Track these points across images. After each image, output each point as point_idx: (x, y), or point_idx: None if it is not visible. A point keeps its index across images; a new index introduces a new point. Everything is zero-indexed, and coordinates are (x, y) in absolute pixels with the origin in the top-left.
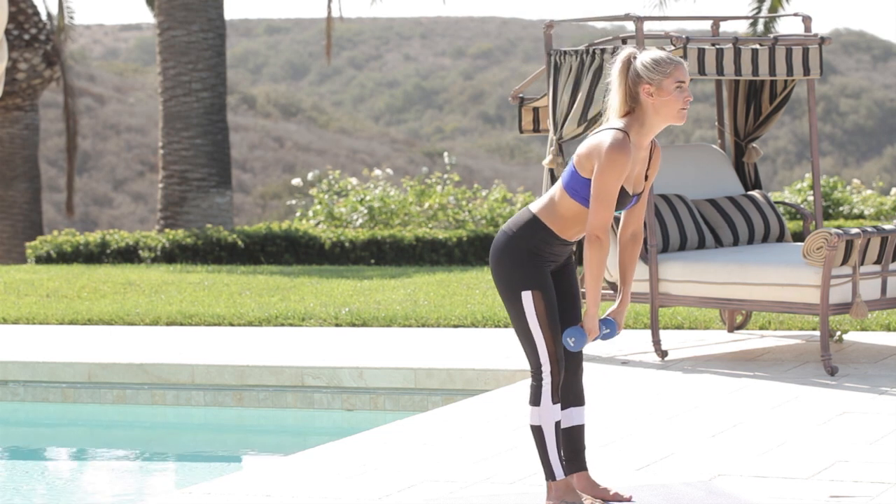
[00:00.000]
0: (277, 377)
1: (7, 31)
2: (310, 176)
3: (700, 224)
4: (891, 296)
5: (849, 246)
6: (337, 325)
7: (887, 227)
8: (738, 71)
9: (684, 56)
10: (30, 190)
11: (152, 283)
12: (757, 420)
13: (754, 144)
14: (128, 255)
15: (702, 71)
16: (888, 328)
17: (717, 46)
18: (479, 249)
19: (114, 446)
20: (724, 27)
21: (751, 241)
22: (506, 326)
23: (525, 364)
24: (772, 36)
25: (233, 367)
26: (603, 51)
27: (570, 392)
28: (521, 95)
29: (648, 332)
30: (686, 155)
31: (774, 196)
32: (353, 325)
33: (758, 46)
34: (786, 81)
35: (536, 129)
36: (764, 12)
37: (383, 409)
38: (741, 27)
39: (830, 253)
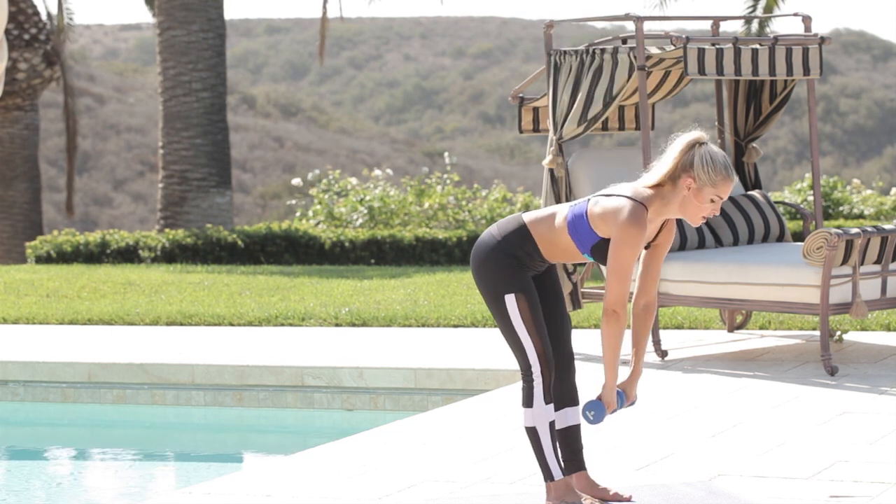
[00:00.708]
0: (277, 377)
1: (7, 31)
2: (310, 176)
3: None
4: (891, 296)
5: (849, 246)
6: (337, 325)
7: (887, 227)
8: (737, 71)
9: (684, 56)
10: (30, 190)
11: (152, 283)
12: (757, 420)
13: (754, 144)
14: (128, 255)
15: (702, 71)
16: (888, 328)
17: (717, 46)
18: None
19: (114, 446)
20: (724, 27)
21: (751, 241)
22: None
23: None
24: (772, 36)
25: (233, 367)
26: (603, 51)
27: (563, 392)
28: (521, 95)
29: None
30: None
31: (774, 196)
32: (353, 325)
33: (758, 46)
34: (786, 81)
35: (536, 129)
36: (759, 12)
37: (383, 409)
38: (740, 27)
39: (830, 253)
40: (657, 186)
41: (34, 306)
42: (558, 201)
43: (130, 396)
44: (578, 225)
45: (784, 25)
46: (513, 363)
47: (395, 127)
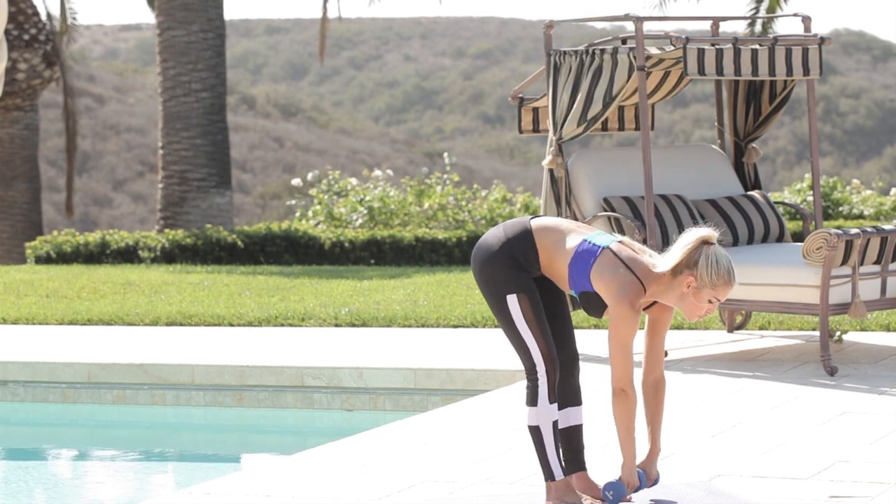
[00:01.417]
0: (277, 377)
1: (7, 31)
2: (309, 176)
3: (700, 224)
4: (890, 296)
5: (848, 246)
6: (337, 326)
7: (887, 227)
8: (737, 71)
9: (684, 56)
10: (30, 190)
11: (152, 284)
12: (757, 420)
13: (754, 145)
14: (128, 255)
15: (701, 71)
16: (888, 328)
17: (717, 47)
18: None
19: (114, 446)
20: (724, 27)
21: (750, 241)
22: None
23: None
24: (771, 36)
25: (233, 367)
26: (603, 51)
27: (567, 392)
28: (520, 96)
29: None
30: (686, 155)
31: (774, 196)
32: (353, 325)
33: (757, 47)
34: (785, 82)
35: (536, 130)
36: (762, 12)
37: (383, 409)
38: (741, 27)
39: (830, 253)
40: (662, 273)
41: (34, 306)
42: (558, 202)
43: (130, 397)
44: (581, 266)
45: (784, 26)
46: (512, 363)
47: (395, 127)
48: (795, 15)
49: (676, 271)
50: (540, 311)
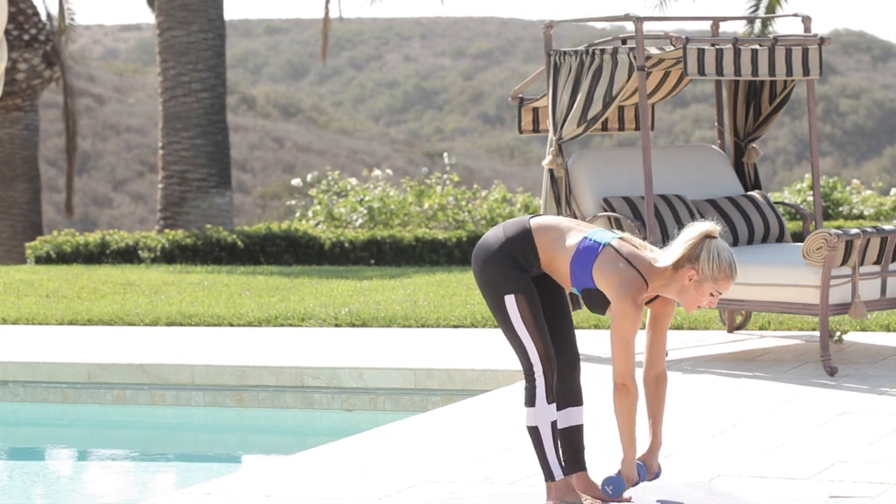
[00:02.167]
0: (277, 377)
1: (7, 32)
2: (309, 177)
3: (701, 219)
4: (890, 296)
5: (848, 246)
6: (337, 326)
7: (887, 227)
8: (737, 71)
9: (684, 56)
10: (30, 190)
11: (152, 284)
12: (757, 420)
13: (754, 145)
14: (127, 255)
15: (701, 71)
16: (888, 328)
17: (717, 47)
18: None
19: (114, 446)
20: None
21: (750, 241)
22: None
23: None
24: (771, 36)
25: (233, 367)
26: (603, 51)
27: (568, 392)
28: (520, 96)
29: None
30: (686, 155)
31: (774, 196)
32: (353, 325)
33: (757, 47)
34: (785, 82)
35: (536, 130)
36: (762, 12)
37: (383, 409)
38: (741, 27)
39: (830, 253)
40: (664, 268)
41: (34, 306)
42: (558, 202)
43: (130, 397)
44: (582, 263)
45: (784, 26)
46: (512, 363)
47: (395, 127)
48: (795, 15)
49: (678, 265)
50: (538, 312)
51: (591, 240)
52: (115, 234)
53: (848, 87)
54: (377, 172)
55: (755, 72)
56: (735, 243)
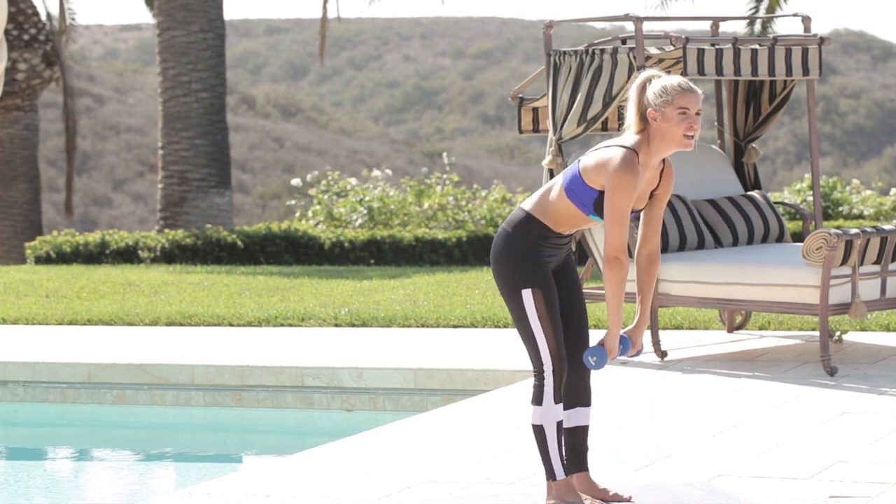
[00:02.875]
0: (277, 377)
1: (7, 32)
2: (309, 177)
3: (699, 224)
4: (890, 296)
5: (848, 246)
6: (337, 326)
7: (887, 227)
8: (737, 71)
9: (684, 56)
10: (29, 190)
11: (152, 284)
12: (757, 420)
13: (754, 145)
14: (127, 255)
15: (701, 71)
16: (888, 328)
17: (717, 47)
18: (478, 250)
19: (114, 446)
20: (724, 27)
21: (750, 241)
22: (506, 326)
23: (525, 364)
24: (771, 36)
25: (232, 367)
26: (602, 51)
27: (577, 392)
28: (520, 96)
29: (648, 333)
30: (685, 155)
31: (774, 196)
32: (353, 325)
33: (757, 47)
34: (785, 82)
35: (536, 130)
36: (762, 12)
37: (383, 409)
38: (741, 27)
39: (830, 253)
40: (640, 133)
41: (34, 306)
42: None
43: (130, 397)
44: (575, 186)
45: (784, 26)
46: (512, 363)
47: (395, 127)
48: (795, 15)
49: (643, 119)
50: (554, 309)
51: (567, 170)
52: (114, 234)
53: (848, 87)
54: (377, 172)
55: (755, 72)
56: (735, 243)
